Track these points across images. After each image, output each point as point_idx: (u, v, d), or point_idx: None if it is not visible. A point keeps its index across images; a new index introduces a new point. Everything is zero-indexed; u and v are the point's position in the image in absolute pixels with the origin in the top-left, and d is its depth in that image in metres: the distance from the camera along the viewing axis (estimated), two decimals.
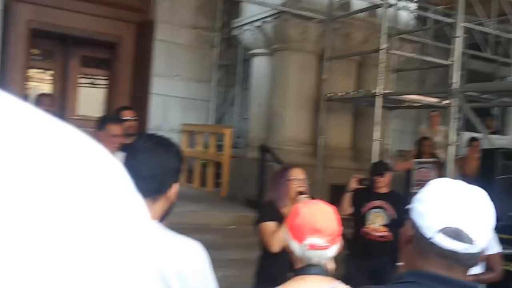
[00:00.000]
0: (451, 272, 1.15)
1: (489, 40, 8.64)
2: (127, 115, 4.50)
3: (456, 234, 1.12)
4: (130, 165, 1.54)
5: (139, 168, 1.52)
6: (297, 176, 3.50)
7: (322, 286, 1.83)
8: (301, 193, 3.48)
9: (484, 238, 1.14)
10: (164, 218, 1.63)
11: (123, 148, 4.12)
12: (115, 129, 3.64)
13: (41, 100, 4.53)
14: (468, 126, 7.97)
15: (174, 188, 1.60)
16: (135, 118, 4.56)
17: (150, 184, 1.52)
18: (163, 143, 1.59)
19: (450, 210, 1.13)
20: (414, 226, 1.19)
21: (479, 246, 1.13)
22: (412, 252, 1.21)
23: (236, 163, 7.82)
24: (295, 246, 1.86)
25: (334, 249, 1.88)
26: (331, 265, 2.16)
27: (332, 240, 1.86)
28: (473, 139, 7.29)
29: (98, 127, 3.72)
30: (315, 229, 1.83)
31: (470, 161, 7.01)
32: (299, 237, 1.84)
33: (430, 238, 1.14)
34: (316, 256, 1.84)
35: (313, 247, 1.83)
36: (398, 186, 7.33)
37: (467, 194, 1.16)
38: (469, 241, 1.12)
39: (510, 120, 11.80)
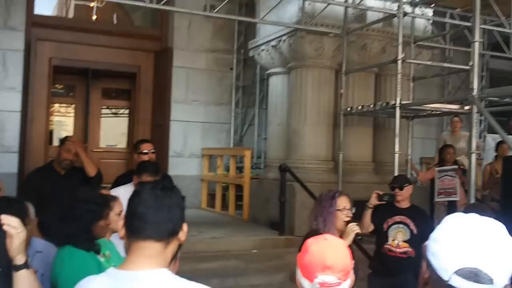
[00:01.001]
0: None
1: (510, 39, 8.49)
2: (146, 148, 4.58)
3: (474, 275, 1.05)
4: (142, 212, 1.59)
5: (151, 214, 1.58)
6: (345, 205, 3.44)
7: None
8: (349, 222, 3.46)
9: (504, 276, 1.07)
10: (174, 258, 1.68)
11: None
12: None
13: (66, 144, 4.62)
14: (491, 128, 7.82)
15: (184, 228, 1.65)
16: (154, 150, 4.64)
17: (165, 228, 1.58)
18: (169, 187, 1.65)
19: (466, 249, 1.07)
20: (430, 267, 1.14)
21: (499, 285, 1.06)
22: None
23: (257, 184, 7.80)
24: (306, 284, 1.86)
25: (346, 285, 1.88)
26: None
27: (344, 276, 1.84)
28: (501, 142, 7.16)
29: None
30: (325, 266, 1.81)
31: (498, 165, 6.86)
32: (310, 275, 1.83)
33: (446, 281, 1.07)
34: None
35: (324, 285, 1.82)
36: (423, 196, 7.24)
37: (483, 229, 1.10)
38: (488, 281, 1.05)
39: None
